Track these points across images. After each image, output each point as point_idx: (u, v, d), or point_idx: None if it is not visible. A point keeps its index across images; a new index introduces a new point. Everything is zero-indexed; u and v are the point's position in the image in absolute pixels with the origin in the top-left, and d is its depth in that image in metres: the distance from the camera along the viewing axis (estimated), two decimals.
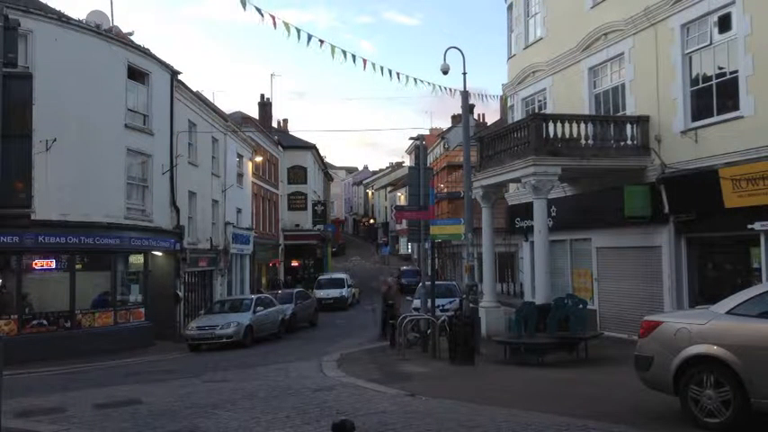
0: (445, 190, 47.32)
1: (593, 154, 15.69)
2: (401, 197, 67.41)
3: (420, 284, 21.01)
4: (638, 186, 15.42)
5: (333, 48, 15.05)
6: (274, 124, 55.09)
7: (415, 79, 18.50)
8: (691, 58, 14.59)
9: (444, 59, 16.38)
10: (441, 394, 9.93)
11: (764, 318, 6.94)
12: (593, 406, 8.58)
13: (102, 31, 21.91)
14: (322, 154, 62.48)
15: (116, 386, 12.90)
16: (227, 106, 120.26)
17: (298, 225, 51.54)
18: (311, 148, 54.33)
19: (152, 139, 23.86)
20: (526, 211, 18.52)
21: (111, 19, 24.25)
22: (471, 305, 15.20)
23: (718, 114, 13.81)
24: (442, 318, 15.45)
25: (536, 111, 20.03)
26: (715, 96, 13.98)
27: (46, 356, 18.33)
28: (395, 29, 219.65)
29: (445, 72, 16.37)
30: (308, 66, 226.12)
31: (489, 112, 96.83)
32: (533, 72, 20.62)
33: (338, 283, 38.74)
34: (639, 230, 15.82)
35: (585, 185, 17.48)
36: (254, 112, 50.07)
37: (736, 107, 13.32)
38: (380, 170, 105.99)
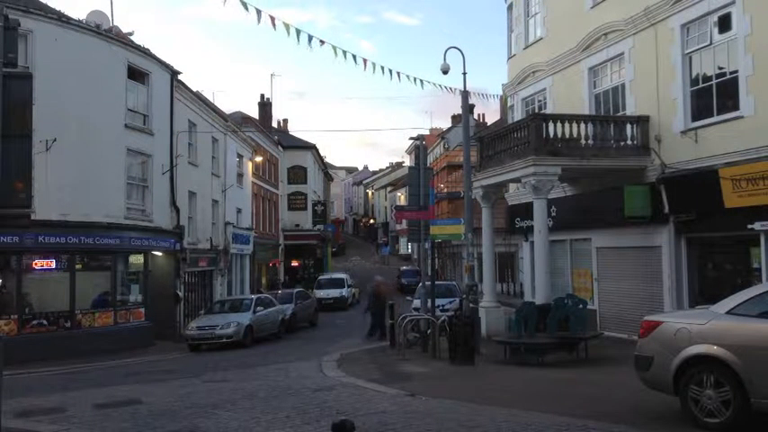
0: (445, 190, 47.32)
1: (593, 154, 15.69)
2: (401, 197, 67.40)
3: (420, 284, 21.03)
4: (638, 186, 15.42)
5: (334, 48, 15.06)
6: (274, 124, 55.09)
7: (415, 79, 18.52)
8: (691, 58, 14.59)
9: (444, 59, 16.38)
10: (441, 394, 9.92)
11: (764, 318, 6.94)
12: (593, 406, 8.58)
13: (102, 31, 21.90)
14: (322, 154, 62.50)
15: (116, 386, 12.90)
16: (227, 106, 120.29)
17: (298, 225, 51.54)
18: (311, 148, 54.33)
19: (152, 139, 23.86)
20: (526, 211, 18.52)
21: (111, 19, 24.26)
22: (471, 305, 15.20)
23: (718, 114, 13.80)
24: (442, 318, 15.45)
25: (536, 111, 20.03)
26: (715, 96, 13.98)
27: (46, 356, 18.33)
28: (395, 29, 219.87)
29: (445, 72, 16.37)
30: (308, 66, 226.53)
31: (489, 112, 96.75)
32: (533, 72, 20.61)
33: (338, 283, 38.73)
34: (639, 230, 15.82)
35: (585, 185, 17.48)
36: (254, 112, 50.13)
37: (736, 107, 13.32)
38: (380, 170, 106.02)
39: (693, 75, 14.62)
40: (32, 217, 17.41)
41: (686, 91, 14.62)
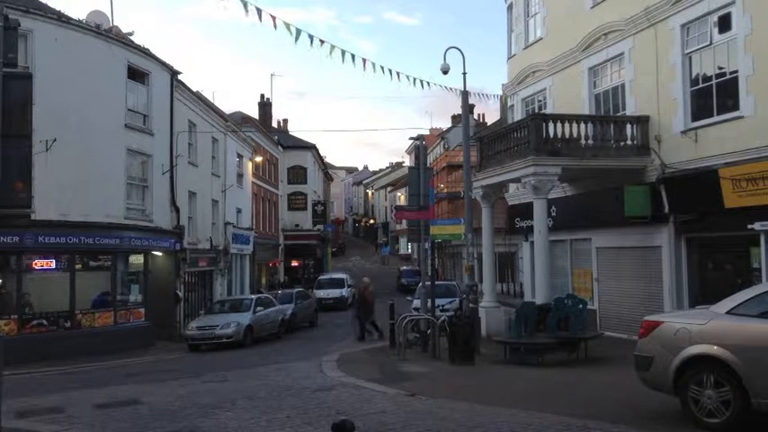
0: (445, 190, 47.31)
1: (593, 154, 15.70)
2: (401, 197, 67.43)
3: (420, 284, 21.03)
4: (638, 186, 15.42)
5: (332, 47, 15.04)
6: (274, 124, 55.10)
7: (415, 79, 18.47)
8: (691, 58, 14.58)
9: (444, 59, 16.38)
10: (441, 394, 9.93)
11: (764, 318, 6.94)
12: (593, 406, 8.58)
13: (102, 31, 21.89)
14: (322, 154, 62.49)
15: (116, 386, 12.91)
16: (227, 106, 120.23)
17: (298, 225, 51.54)
18: (311, 148, 54.33)
19: (152, 139, 23.86)
20: (526, 211, 18.52)
21: (111, 19, 24.23)
22: (471, 305, 15.21)
23: (718, 114, 13.80)
24: (442, 318, 15.44)
25: (536, 111, 20.03)
26: (715, 96, 13.98)
27: (46, 356, 18.32)
28: (395, 29, 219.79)
29: (445, 72, 16.37)
30: (308, 66, 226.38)
31: (489, 112, 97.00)
32: (533, 72, 20.61)
33: (338, 284, 38.73)
34: (639, 230, 15.82)
35: (585, 185, 17.48)
36: (254, 112, 50.14)
37: (736, 107, 13.32)
38: (380, 170, 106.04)
39: (693, 75, 14.61)
40: (32, 217, 17.48)
41: (686, 91, 14.62)
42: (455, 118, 53.08)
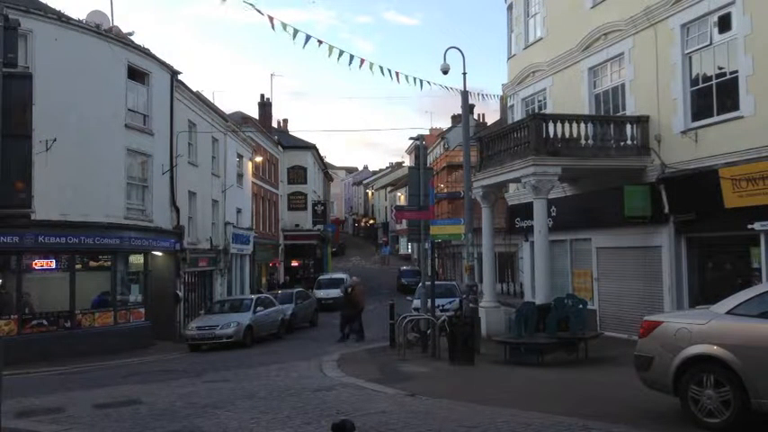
0: (445, 190, 47.33)
1: (593, 154, 15.70)
2: (401, 197, 67.40)
3: (420, 284, 21.02)
4: (638, 186, 15.42)
5: (330, 48, 15.00)
6: (274, 124, 55.06)
7: (414, 79, 18.34)
8: (691, 58, 14.58)
9: (444, 59, 16.37)
10: (441, 394, 9.93)
11: (764, 318, 6.94)
12: (593, 406, 8.58)
13: (102, 31, 21.89)
14: (322, 154, 62.48)
15: (116, 386, 12.91)
16: (227, 106, 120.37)
17: (298, 225, 51.52)
18: (311, 148, 54.32)
19: (152, 139, 23.86)
20: (526, 211, 18.52)
21: (111, 19, 24.24)
22: (471, 305, 15.21)
23: (718, 114, 13.80)
24: (442, 318, 15.44)
25: (536, 111, 20.03)
26: (715, 96, 13.98)
27: (46, 356, 18.34)
28: (394, 29, 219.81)
29: (445, 72, 16.36)
30: (308, 66, 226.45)
31: (489, 112, 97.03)
32: (533, 72, 20.61)
33: (338, 284, 38.64)
34: (639, 230, 15.82)
35: (585, 185, 17.48)
36: (254, 112, 50.08)
37: (736, 107, 13.32)
38: (380, 170, 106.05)
39: (693, 75, 14.61)
40: (32, 217, 17.39)
41: (686, 91, 14.62)
42: (455, 118, 53.10)
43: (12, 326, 19.03)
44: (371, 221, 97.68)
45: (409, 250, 66.41)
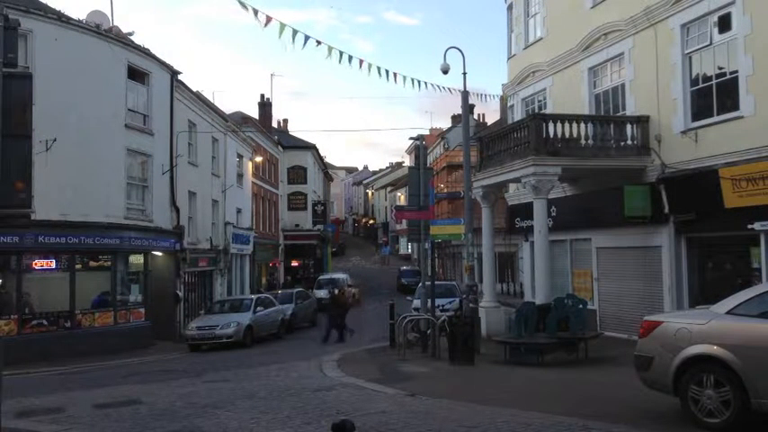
0: (445, 190, 47.33)
1: (593, 154, 15.70)
2: (401, 197, 67.40)
3: (420, 284, 21.02)
4: (638, 186, 15.42)
5: (329, 48, 14.99)
6: (274, 124, 55.05)
7: (413, 80, 18.29)
8: (691, 58, 14.58)
9: (444, 59, 16.36)
10: (441, 394, 9.93)
11: (764, 318, 6.94)
12: (593, 406, 8.58)
13: (102, 31, 21.90)
14: (322, 154, 62.48)
15: (116, 386, 12.90)
16: (227, 106, 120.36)
17: (298, 225, 51.52)
18: (311, 148, 54.32)
19: (152, 139, 23.86)
20: (526, 211, 18.52)
21: (111, 19, 24.24)
22: (471, 305, 15.21)
23: (718, 114, 13.80)
24: (442, 318, 15.45)
25: (536, 111, 20.03)
26: (715, 96, 13.98)
27: (46, 356, 18.34)
28: (394, 29, 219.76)
29: (445, 72, 16.35)
30: (308, 66, 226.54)
31: (489, 112, 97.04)
32: (533, 72, 20.61)
33: (338, 284, 38.66)
34: (639, 230, 15.82)
35: (585, 185, 17.48)
36: (254, 112, 50.07)
37: (736, 107, 13.32)
38: (380, 170, 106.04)
39: (693, 75, 14.61)
40: (32, 217, 17.39)
41: (686, 91, 14.62)
42: (455, 118, 53.09)
43: (12, 326, 19.03)
44: (371, 221, 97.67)
45: (409, 250, 66.41)
